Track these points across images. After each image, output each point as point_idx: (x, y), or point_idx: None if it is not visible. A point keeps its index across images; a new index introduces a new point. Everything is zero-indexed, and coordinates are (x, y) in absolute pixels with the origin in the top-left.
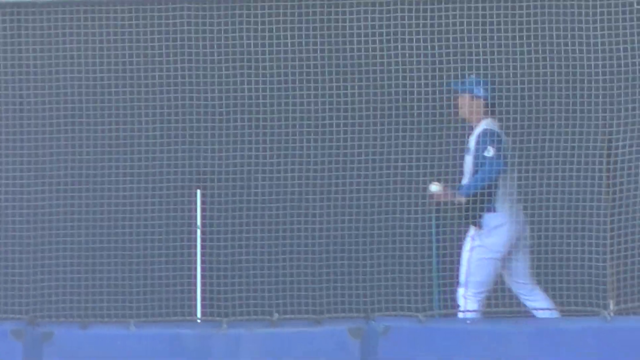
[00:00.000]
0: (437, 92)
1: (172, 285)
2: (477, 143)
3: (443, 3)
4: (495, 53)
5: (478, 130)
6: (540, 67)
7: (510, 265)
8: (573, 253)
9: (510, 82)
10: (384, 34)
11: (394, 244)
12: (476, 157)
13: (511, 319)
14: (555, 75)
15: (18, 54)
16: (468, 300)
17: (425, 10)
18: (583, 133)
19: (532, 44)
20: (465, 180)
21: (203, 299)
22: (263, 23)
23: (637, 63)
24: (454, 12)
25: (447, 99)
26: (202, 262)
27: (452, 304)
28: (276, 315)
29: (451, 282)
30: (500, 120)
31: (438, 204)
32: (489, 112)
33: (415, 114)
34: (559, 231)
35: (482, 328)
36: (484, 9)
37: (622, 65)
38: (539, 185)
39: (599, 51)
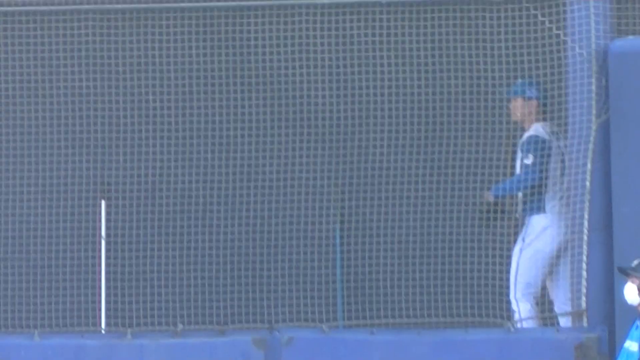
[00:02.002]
0: (342, 102)
1: (77, 296)
2: (522, 148)
3: (348, 14)
4: (400, 63)
5: (527, 134)
6: (445, 78)
7: (556, 269)
8: (477, 264)
9: (415, 93)
10: (289, 45)
11: (297, 254)
12: (520, 162)
13: (414, 329)
14: (460, 86)
15: None
16: (520, 302)
17: (330, 21)
18: (488, 144)
19: (437, 55)
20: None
21: (107, 309)
22: (168, 34)
23: (540, 75)
24: (359, 23)
25: (352, 110)
26: (106, 272)
27: (356, 315)
28: (180, 326)
29: (355, 292)
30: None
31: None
32: (541, 113)
33: (319, 125)
34: (463, 242)
35: (385, 338)
36: (388, 20)
37: (527, 76)
38: (444, 196)
39: (503, 62)
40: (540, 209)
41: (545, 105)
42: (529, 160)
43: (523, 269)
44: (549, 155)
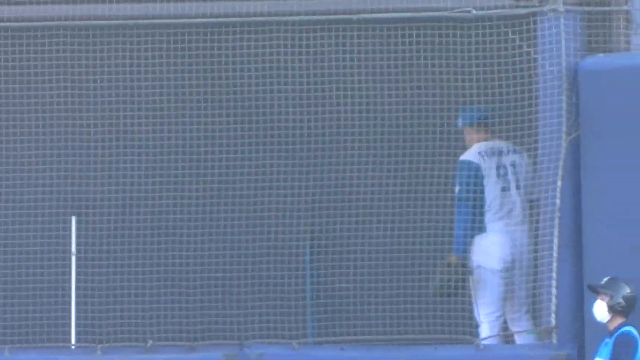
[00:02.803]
0: (314, 118)
1: (47, 311)
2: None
3: (320, 31)
4: (372, 80)
5: None
6: (416, 95)
7: (512, 287)
8: (446, 282)
9: (386, 110)
10: (261, 61)
11: (268, 271)
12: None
13: (384, 346)
14: (431, 103)
15: None
16: (481, 324)
17: (301, 38)
18: (458, 161)
19: (409, 72)
20: None
21: (78, 325)
22: (140, 50)
23: (511, 92)
24: (331, 40)
25: (324, 126)
26: (77, 288)
27: (326, 331)
28: (150, 342)
29: (325, 309)
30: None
31: None
32: (482, 134)
33: (291, 141)
34: (432, 260)
35: (355, 355)
36: (360, 37)
37: (497, 94)
38: (414, 213)
39: (474, 79)
40: (481, 229)
41: (480, 125)
42: (455, 191)
43: (477, 290)
44: (479, 177)
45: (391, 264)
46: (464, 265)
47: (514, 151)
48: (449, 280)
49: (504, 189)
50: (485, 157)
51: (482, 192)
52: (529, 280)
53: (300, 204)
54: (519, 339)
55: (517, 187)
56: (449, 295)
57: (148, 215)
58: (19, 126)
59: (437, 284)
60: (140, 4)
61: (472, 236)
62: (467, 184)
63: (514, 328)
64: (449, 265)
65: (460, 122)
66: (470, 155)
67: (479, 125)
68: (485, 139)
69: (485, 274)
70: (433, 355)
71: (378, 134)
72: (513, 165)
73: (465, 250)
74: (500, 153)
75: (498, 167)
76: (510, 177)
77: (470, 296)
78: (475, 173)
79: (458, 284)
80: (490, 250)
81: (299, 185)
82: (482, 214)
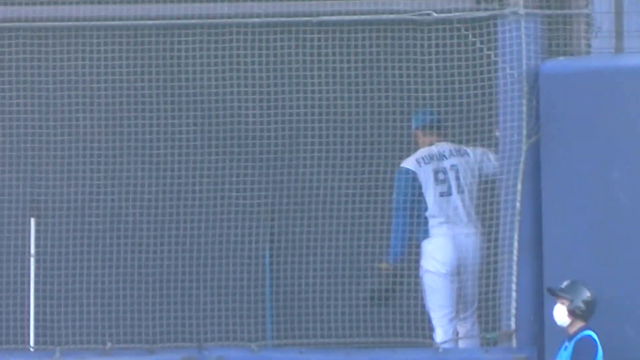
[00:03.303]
0: (272, 121)
1: (5, 313)
2: None
3: (279, 33)
4: (331, 82)
5: None
6: (376, 98)
7: (464, 292)
8: (406, 285)
9: (345, 113)
10: (219, 63)
11: (227, 273)
12: None
13: (343, 348)
14: (390, 106)
15: None
16: (437, 328)
17: (261, 40)
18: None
19: (368, 75)
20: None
21: (36, 327)
22: (98, 52)
23: (471, 95)
24: (290, 42)
25: (283, 129)
26: (35, 290)
27: (285, 334)
28: (109, 344)
29: (285, 311)
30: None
31: None
32: (427, 136)
33: (250, 144)
34: (392, 262)
35: (314, 358)
36: (319, 39)
37: (457, 97)
38: (373, 215)
39: (434, 82)
40: (426, 234)
41: (427, 128)
42: (393, 196)
43: (427, 294)
44: (414, 186)
45: (350, 266)
46: (394, 274)
47: (458, 153)
48: (379, 287)
49: (443, 194)
50: (422, 164)
51: (420, 200)
52: (476, 285)
53: (260, 207)
54: (462, 343)
55: (460, 191)
56: (381, 301)
57: (107, 217)
58: None
59: (369, 291)
60: (98, 6)
61: (409, 244)
62: (404, 194)
63: (459, 329)
64: (379, 271)
65: (412, 124)
66: (407, 163)
67: (428, 128)
68: (431, 143)
69: (433, 279)
70: (392, 358)
71: (337, 137)
72: (454, 169)
73: (397, 258)
74: (441, 157)
75: (436, 172)
76: (452, 181)
77: (422, 299)
78: (411, 183)
79: (388, 292)
80: (435, 254)
81: (258, 188)
82: (419, 223)
